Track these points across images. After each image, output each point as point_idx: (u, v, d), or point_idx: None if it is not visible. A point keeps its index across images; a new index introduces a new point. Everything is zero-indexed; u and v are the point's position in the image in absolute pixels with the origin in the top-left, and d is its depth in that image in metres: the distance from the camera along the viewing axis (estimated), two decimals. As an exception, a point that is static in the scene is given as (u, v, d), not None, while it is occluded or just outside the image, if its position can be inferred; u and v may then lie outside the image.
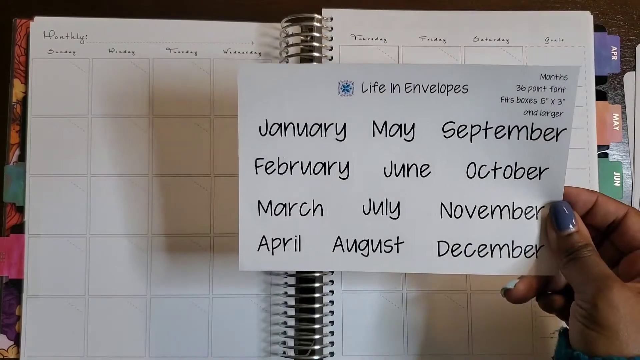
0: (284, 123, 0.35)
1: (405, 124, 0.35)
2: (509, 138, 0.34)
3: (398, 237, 0.35)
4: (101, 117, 0.45)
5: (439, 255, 0.35)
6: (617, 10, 0.48)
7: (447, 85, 0.34)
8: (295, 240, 0.36)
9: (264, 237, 0.36)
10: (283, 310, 0.43)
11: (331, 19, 0.46)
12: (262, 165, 0.35)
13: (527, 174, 0.35)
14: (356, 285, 0.44)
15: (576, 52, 0.46)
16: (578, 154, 0.45)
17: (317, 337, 0.42)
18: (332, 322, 0.43)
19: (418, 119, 0.34)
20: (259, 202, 0.36)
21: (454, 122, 0.34)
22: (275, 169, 0.35)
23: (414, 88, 0.34)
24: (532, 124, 0.34)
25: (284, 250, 0.36)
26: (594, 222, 0.35)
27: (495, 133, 0.34)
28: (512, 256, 0.35)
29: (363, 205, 0.35)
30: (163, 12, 0.47)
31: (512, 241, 0.35)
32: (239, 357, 0.43)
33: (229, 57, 0.46)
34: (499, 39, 0.46)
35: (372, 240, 0.35)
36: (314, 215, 0.36)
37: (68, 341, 0.43)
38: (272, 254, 0.36)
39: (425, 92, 0.34)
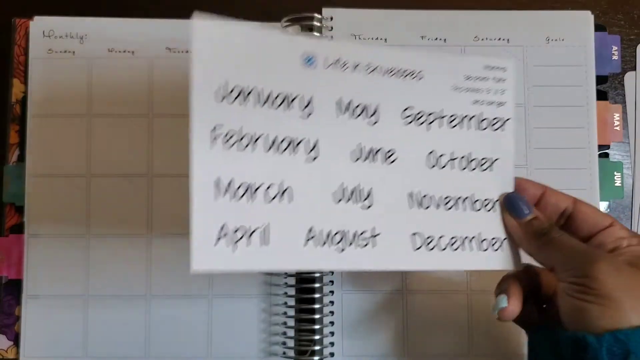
0: (247, 87, 0.30)
1: (368, 106, 0.33)
2: (461, 128, 0.35)
3: (374, 228, 0.32)
4: (101, 117, 0.45)
5: (415, 250, 0.33)
6: (617, 9, 0.48)
7: (405, 70, 0.33)
8: (262, 230, 0.30)
9: (223, 226, 0.29)
10: (283, 310, 0.43)
11: (331, 18, 0.46)
12: (219, 136, 0.29)
13: (481, 165, 0.35)
14: (356, 285, 0.44)
15: (576, 51, 0.46)
16: (578, 154, 0.45)
17: (317, 337, 0.42)
18: (332, 323, 0.43)
19: (381, 102, 0.33)
20: (217, 181, 0.29)
21: (413, 108, 0.34)
22: (236, 141, 0.30)
23: (375, 69, 0.33)
24: (481, 113, 0.35)
25: (248, 243, 0.29)
26: (544, 214, 0.35)
27: (450, 122, 0.34)
28: (482, 249, 0.34)
29: (334, 192, 0.32)
30: (163, 12, 0.46)
31: (479, 233, 0.34)
32: (239, 357, 0.43)
33: (228, 57, 0.46)
34: (499, 39, 0.46)
35: (347, 232, 0.32)
36: (281, 199, 0.30)
37: (68, 341, 0.43)
38: (234, 249, 0.29)
39: (385, 74, 0.33)
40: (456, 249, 0.34)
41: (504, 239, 0.35)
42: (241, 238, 0.29)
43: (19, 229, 0.44)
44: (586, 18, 0.46)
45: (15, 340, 0.43)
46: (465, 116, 0.35)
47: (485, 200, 0.35)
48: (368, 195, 0.33)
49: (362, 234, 0.32)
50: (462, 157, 0.35)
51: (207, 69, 0.30)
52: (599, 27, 0.47)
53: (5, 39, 0.46)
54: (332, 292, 0.44)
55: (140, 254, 0.44)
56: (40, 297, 0.43)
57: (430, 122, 0.34)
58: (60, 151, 0.44)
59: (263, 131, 0.31)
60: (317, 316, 0.42)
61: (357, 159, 0.33)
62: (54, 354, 0.43)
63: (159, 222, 0.44)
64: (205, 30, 0.30)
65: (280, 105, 0.31)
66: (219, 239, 0.29)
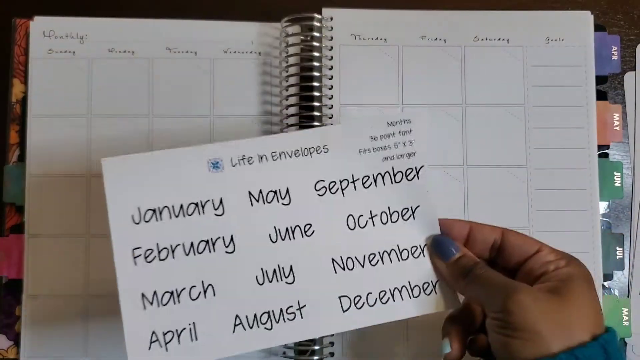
0: (158, 208, 0.33)
1: (280, 189, 0.35)
2: (375, 186, 0.35)
3: (299, 302, 0.34)
4: (101, 117, 0.45)
5: (344, 311, 0.35)
6: (617, 10, 0.48)
7: (309, 148, 0.35)
8: (190, 329, 0.33)
9: (153, 333, 0.33)
10: (283, 310, 0.43)
11: (331, 18, 0.46)
12: (140, 255, 0.33)
13: (402, 216, 0.36)
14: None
15: (576, 51, 0.46)
16: (578, 154, 0.45)
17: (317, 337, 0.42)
18: (332, 322, 0.43)
19: (291, 183, 0.35)
20: (143, 295, 0.33)
21: (324, 180, 0.35)
22: (155, 257, 0.33)
23: (280, 155, 0.34)
24: (393, 167, 0.35)
25: (179, 342, 0.33)
26: (475, 250, 0.35)
27: (363, 183, 0.35)
28: (413, 296, 0.35)
29: (256, 276, 0.34)
30: (163, 12, 0.46)
31: (409, 282, 0.35)
32: (239, 357, 0.43)
33: (229, 57, 0.46)
34: (499, 39, 0.46)
35: (272, 311, 0.34)
36: (205, 297, 0.33)
37: (68, 341, 0.43)
38: (166, 350, 0.33)
39: (291, 157, 0.35)
40: (386, 302, 0.35)
41: (437, 281, 0.36)
42: (171, 340, 0.33)
43: (19, 229, 0.44)
44: (586, 18, 0.46)
45: (15, 340, 0.43)
46: (378, 174, 0.35)
47: (412, 247, 0.36)
48: (290, 272, 0.34)
49: (288, 309, 0.34)
50: (382, 213, 0.36)
51: (120, 200, 0.33)
52: (598, 27, 0.47)
53: (5, 39, 0.46)
54: (332, 292, 0.44)
55: (140, 254, 0.44)
56: (40, 297, 0.43)
57: (344, 189, 0.35)
58: (60, 151, 0.44)
59: (180, 240, 0.33)
60: (317, 316, 0.43)
61: (275, 241, 0.34)
62: (54, 354, 0.43)
63: (159, 222, 0.44)
64: (114, 167, 0.33)
65: (192, 213, 0.34)
66: (151, 344, 0.33)
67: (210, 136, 0.45)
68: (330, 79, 0.45)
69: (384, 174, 0.36)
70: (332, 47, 0.45)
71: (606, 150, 0.46)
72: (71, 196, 0.44)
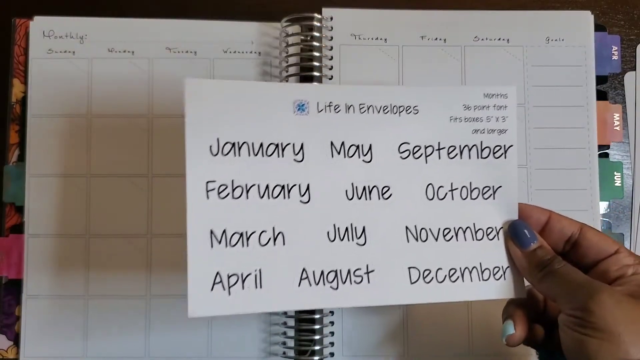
0: (238, 142, 0.32)
1: (362, 145, 0.34)
2: (461, 158, 0.35)
3: (367, 266, 0.33)
4: (101, 117, 0.45)
5: (412, 283, 0.33)
6: (617, 9, 0.48)
7: (399, 107, 0.34)
8: (256, 275, 0.32)
9: (218, 273, 0.31)
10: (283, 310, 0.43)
11: (331, 18, 0.46)
12: (213, 189, 0.31)
13: (482, 194, 0.35)
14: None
15: (576, 51, 0.46)
16: (578, 154, 0.45)
17: (317, 337, 0.42)
18: (332, 323, 0.43)
19: (375, 140, 0.34)
20: (212, 232, 0.31)
21: (409, 143, 0.34)
22: (229, 193, 0.32)
23: (368, 109, 0.34)
24: (481, 142, 0.34)
25: (243, 288, 0.31)
26: (550, 240, 0.34)
27: (448, 153, 0.34)
28: (482, 279, 0.34)
29: (327, 232, 0.33)
30: (163, 12, 0.46)
31: (480, 263, 0.34)
32: (239, 357, 0.43)
33: (229, 57, 0.46)
34: (499, 39, 0.46)
35: (340, 271, 0.33)
36: (275, 244, 0.32)
37: (68, 341, 0.43)
38: (229, 294, 0.31)
39: (379, 112, 0.34)
40: (455, 281, 0.34)
41: (507, 267, 0.34)
42: (235, 283, 0.31)
43: (19, 229, 0.44)
44: (586, 18, 0.46)
45: (15, 340, 0.43)
46: (465, 146, 0.35)
47: (488, 228, 0.35)
48: (362, 233, 0.33)
49: (356, 271, 0.33)
50: (463, 187, 0.35)
51: (199, 128, 0.31)
52: (599, 27, 0.47)
53: (5, 39, 0.46)
54: (332, 292, 0.44)
55: (140, 254, 0.44)
56: (40, 297, 0.43)
57: (428, 155, 0.34)
58: (60, 151, 0.44)
59: (256, 181, 0.32)
60: (317, 316, 0.42)
61: (351, 198, 0.33)
62: (54, 354, 0.43)
63: (158, 222, 0.44)
64: (197, 89, 0.31)
65: (272, 154, 0.33)
66: (214, 285, 0.31)
67: (210, 136, 0.45)
68: (330, 78, 0.45)
69: (471, 147, 0.34)
70: (332, 47, 0.45)
71: (606, 150, 0.46)
72: (71, 196, 0.44)
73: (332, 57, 0.45)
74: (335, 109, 0.33)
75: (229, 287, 0.31)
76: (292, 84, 0.33)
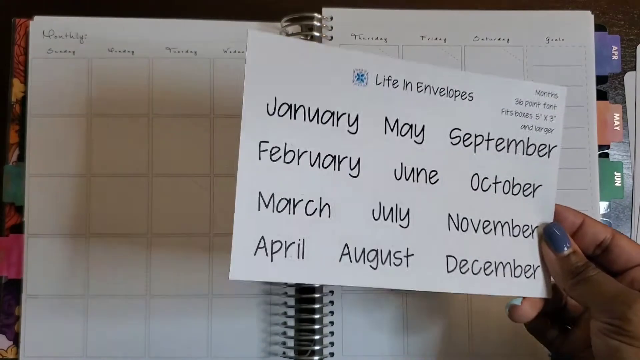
0: (295, 104, 0.31)
1: (415, 125, 0.33)
2: (507, 151, 0.34)
3: (408, 249, 0.33)
4: (101, 117, 0.45)
5: (448, 272, 0.33)
6: (617, 9, 0.48)
7: (455, 91, 0.34)
8: (299, 244, 0.31)
9: (262, 238, 0.30)
10: (283, 310, 0.43)
11: (331, 18, 0.46)
12: (266, 150, 0.31)
13: (523, 191, 0.35)
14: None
15: (576, 51, 0.46)
16: (578, 154, 0.45)
17: (317, 337, 0.42)
18: (332, 323, 0.43)
19: (428, 122, 0.33)
20: (260, 194, 0.30)
21: (460, 130, 0.34)
22: (281, 157, 0.31)
23: (425, 89, 0.33)
24: (528, 138, 0.34)
25: (285, 256, 0.30)
26: (581, 244, 0.34)
27: (496, 145, 0.34)
28: (514, 275, 0.34)
29: (373, 210, 0.32)
30: (163, 12, 0.46)
31: (514, 260, 0.34)
32: (239, 357, 0.43)
33: (229, 57, 0.46)
34: (499, 39, 0.46)
35: (381, 251, 0.32)
36: (320, 216, 0.31)
37: (68, 341, 0.43)
38: (271, 260, 0.30)
39: (435, 94, 0.33)
40: (489, 274, 0.34)
41: (538, 266, 0.34)
42: (278, 250, 0.30)
43: (19, 229, 0.44)
44: (586, 18, 0.46)
45: (15, 340, 0.43)
46: (513, 140, 0.35)
47: (525, 226, 0.35)
48: (406, 215, 0.33)
49: (396, 253, 0.32)
50: (506, 182, 0.35)
51: (259, 84, 0.31)
52: (599, 27, 0.47)
53: (5, 39, 0.46)
54: (332, 292, 0.44)
55: (140, 254, 0.44)
56: (40, 297, 0.43)
57: (477, 145, 0.34)
58: (60, 151, 0.44)
59: (308, 147, 0.31)
60: (317, 316, 0.42)
61: (399, 178, 0.33)
62: (54, 354, 0.43)
63: (158, 222, 0.44)
64: (260, 43, 0.31)
65: (327, 122, 0.32)
66: (257, 249, 0.30)
67: (211, 136, 0.45)
68: (330, 78, 0.45)
69: (518, 142, 0.34)
70: (332, 47, 0.45)
71: (606, 150, 0.46)
72: (71, 195, 0.44)
73: (332, 57, 0.45)
74: (393, 84, 0.33)
75: (272, 254, 0.30)
76: (354, 51, 0.32)
